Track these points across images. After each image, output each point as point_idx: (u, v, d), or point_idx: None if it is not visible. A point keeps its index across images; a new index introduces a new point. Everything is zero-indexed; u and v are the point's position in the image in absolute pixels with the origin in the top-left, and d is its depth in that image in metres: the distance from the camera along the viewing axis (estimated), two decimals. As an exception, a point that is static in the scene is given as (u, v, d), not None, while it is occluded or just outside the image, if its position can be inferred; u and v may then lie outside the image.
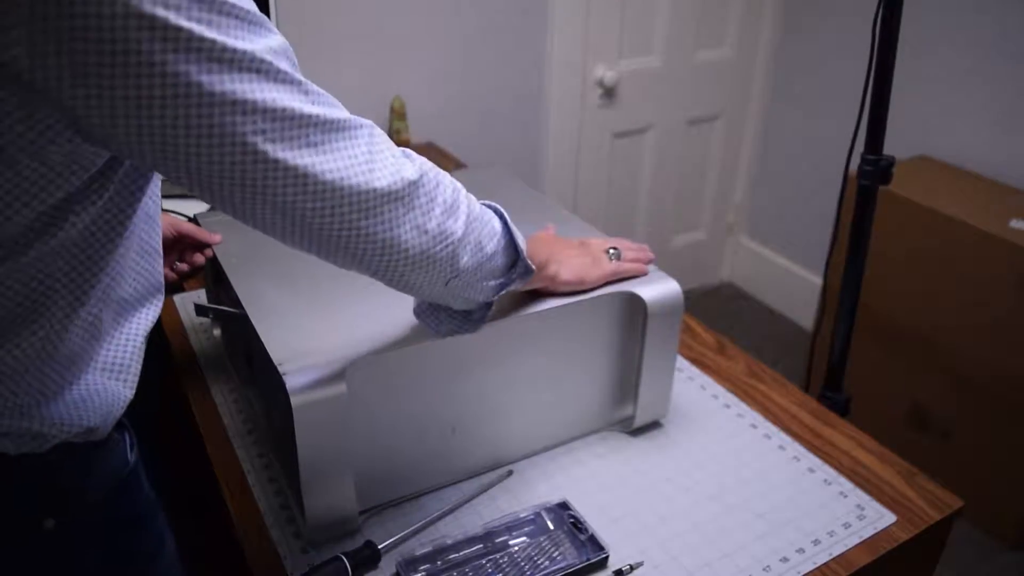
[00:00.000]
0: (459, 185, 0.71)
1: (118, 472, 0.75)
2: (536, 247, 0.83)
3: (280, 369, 0.75)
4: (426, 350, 0.81)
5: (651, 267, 0.96)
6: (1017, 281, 1.75)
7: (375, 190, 0.61)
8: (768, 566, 0.82)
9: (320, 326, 0.83)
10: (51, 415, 0.66)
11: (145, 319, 0.75)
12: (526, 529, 0.84)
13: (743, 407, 1.06)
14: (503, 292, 0.78)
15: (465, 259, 0.70)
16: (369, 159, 0.61)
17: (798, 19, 2.56)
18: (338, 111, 0.60)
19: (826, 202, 2.48)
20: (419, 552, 0.81)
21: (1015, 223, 1.81)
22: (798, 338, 2.67)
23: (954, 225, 1.85)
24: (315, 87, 0.59)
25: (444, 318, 0.79)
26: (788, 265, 2.79)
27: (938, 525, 0.90)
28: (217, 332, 1.16)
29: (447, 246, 0.68)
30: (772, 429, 1.02)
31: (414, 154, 0.67)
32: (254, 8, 0.55)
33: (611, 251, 0.92)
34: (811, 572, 0.82)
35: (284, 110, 0.56)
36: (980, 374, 1.86)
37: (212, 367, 1.12)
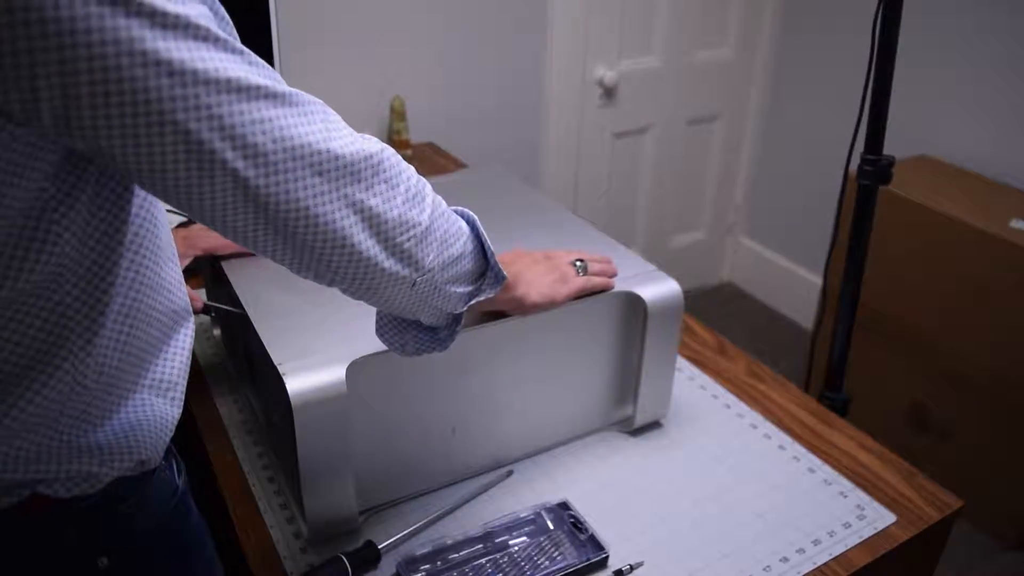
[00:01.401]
0: (425, 181, 0.67)
1: (168, 501, 0.72)
2: (505, 266, 0.78)
3: (280, 369, 0.75)
4: None
5: (651, 267, 0.96)
6: (1017, 281, 1.75)
7: (334, 154, 0.56)
8: (768, 566, 0.82)
9: (320, 326, 0.83)
10: (100, 448, 0.63)
11: (187, 332, 0.71)
12: (526, 529, 0.84)
13: (743, 407, 1.06)
14: (472, 303, 0.74)
15: (430, 256, 0.65)
16: (325, 132, 0.56)
17: (798, 19, 2.56)
18: (286, 86, 0.56)
19: (826, 202, 2.47)
20: (419, 552, 0.81)
21: (1015, 223, 1.81)
22: (798, 338, 2.67)
23: (954, 225, 1.85)
24: (259, 59, 0.54)
25: (409, 337, 0.75)
26: (788, 265, 2.79)
27: (938, 525, 0.90)
28: (217, 332, 1.16)
29: (410, 237, 0.63)
30: (772, 429, 1.02)
31: (375, 139, 0.62)
32: None
33: (577, 263, 0.89)
34: (811, 572, 0.82)
35: (229, 81, 0.50)
36: (980, 374, 1.86)
37: (212, 367, 1.12)
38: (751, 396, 1.09)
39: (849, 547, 0.85)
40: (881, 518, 0.89)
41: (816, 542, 0.85)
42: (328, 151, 0.56)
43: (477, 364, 0.85)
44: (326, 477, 0.78)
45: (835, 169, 2.45)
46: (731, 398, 1.08)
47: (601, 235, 1.04)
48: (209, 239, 1.00)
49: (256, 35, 1.48)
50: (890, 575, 0.88)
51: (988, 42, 2.04)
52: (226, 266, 0.95)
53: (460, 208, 0.74)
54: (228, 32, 0.53)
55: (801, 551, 0.84)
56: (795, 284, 2.76)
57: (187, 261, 1.00)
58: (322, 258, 0.60)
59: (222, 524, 0.90)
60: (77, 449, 0.62)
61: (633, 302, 0.92)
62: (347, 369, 0.76)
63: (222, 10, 0.55)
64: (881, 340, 2.07)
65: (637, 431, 1.00)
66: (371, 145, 0.60)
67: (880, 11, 1.15)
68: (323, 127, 0.56)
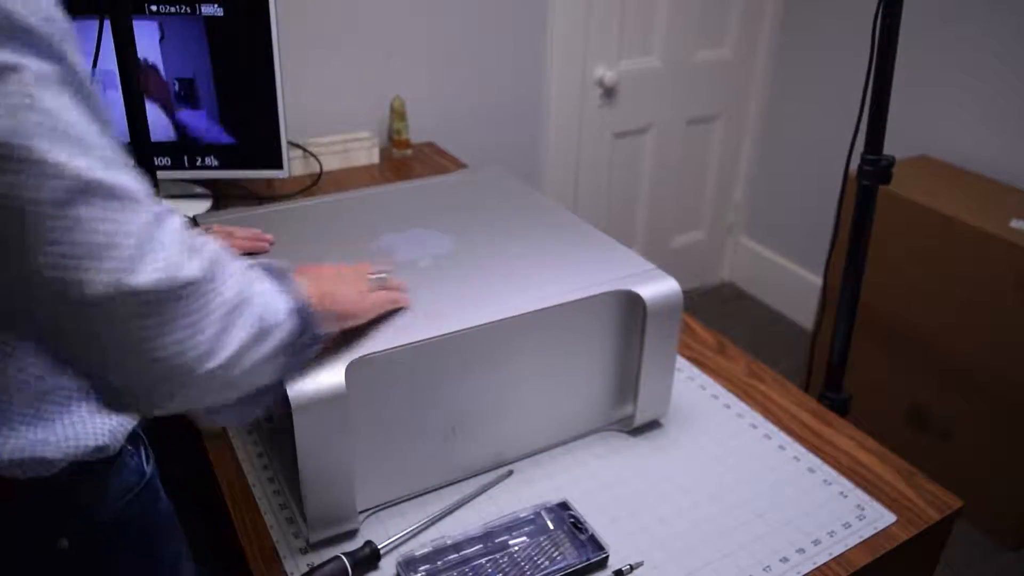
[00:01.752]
0: (250, 275, 0.61)
1: (133, 486, 0.72)
2: (311, 285, 0.74)
3: None
4: (425, 350, 0.81)
5: (650, 266, 0.96)
6: (1017, 281, 1.75)
7: (128, 285, 0.48)
8: (768, 566, 0.82)
9: None
10: (58, 437, 0.63)
11: None
12: (526, 529, 0.84)
13: (743, 407, 1.06)
14: (290, 370, 0.70)
15: (244, 365, 0.59)
16: (138, 243, 0.49)
17: (798, 19, 2.56)
18: (122, 177, 0.48)
19: (826, 202, 2.47)
20: (419, 552, 0.81)
21: (1015, 223, 1.81)
22: (798, 338, 2.67)
23: (954, 225, 1.85)
24: (101, 142, 0.47)
25: (237, 409, 0.69)
26: (788, 265, 2.79)
27: (938, 525, 0.90)
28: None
29: (219, 362, 0.56)
30: (772, 429, 1.02)
31: (208, 244, 0.55)
32: (23, 15, 0.44)
33: (375, 276, 0.84)
34: (811, 572, 0.82)
35: (19, 148, 0.43)
36: (980, 374, 1.86)
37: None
38: (751, 396, 1.09)
39: (849, 547, 0.85)
40: (881, 518, 0.89)
41: (816, 542, 0.85)
42: (118, 276, 0.48)
43: (477, 364, 0.85)
44: (326, 477, 0.78)
45: (835, 169, 2.45)
46: (731, 398, 1.08)
47: (601, 235, 1.04)
48: None
49: (256, 35, 1.48)
50: (890, 575, 0.88)
51: (988, 42, 2.04)
52: None
53: (269, 263, 0.68)
54: (78, 97, 0.47)
55: (801, 551, 0.84)
56: (795, 284, 2.76)
57: None
58: (115, 370, 0.53)
59: (222, 524, 0.90)
60: (31, 443, 0.63)
61: (632, 301, 0.92)
62: (346, 369, 0.76)
63: (81, 79, 0.48)
64: (881, 340, 2.07)
65: (637, 431, 1.00)
66: (192, 266, 0.53)
67: (880, 11, 1.15)
68: (140, 230, 0.49)
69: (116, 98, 1.18)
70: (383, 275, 0.85)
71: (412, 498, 0.89)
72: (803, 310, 2.73)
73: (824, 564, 0.83)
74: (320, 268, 0.82)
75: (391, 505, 0.88)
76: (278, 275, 0.68)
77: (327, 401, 0.75)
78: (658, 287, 0.92)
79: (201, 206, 1.59)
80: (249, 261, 0.65)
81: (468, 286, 0.90)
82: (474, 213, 1.09)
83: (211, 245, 0.56)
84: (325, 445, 0.76)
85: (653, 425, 1.02)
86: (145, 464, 0.75)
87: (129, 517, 0.72)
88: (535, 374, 0.90)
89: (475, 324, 0.83)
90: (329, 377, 0.75)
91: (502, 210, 1.11)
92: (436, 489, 0.91)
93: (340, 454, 0.78)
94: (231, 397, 0.63)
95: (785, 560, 0.83)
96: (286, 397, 0.73)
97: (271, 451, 0.96)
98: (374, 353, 0.78)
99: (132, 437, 0.72)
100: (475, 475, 0.93)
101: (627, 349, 0.95)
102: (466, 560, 0.80)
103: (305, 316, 0.67)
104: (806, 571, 0.82)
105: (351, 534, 0.84)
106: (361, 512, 0.85)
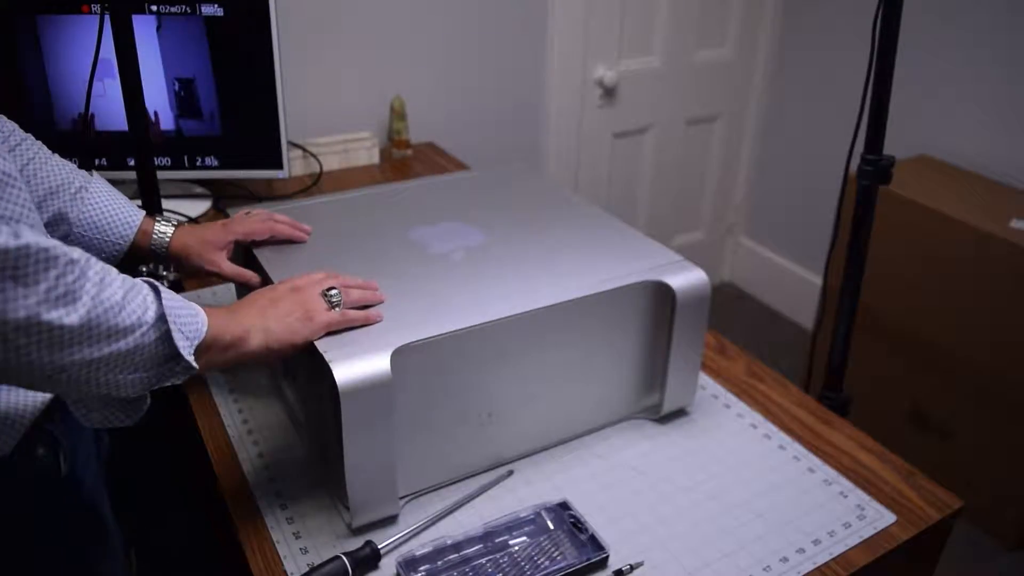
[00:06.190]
0: (97, 269, 0.61)
1: (41, 486, 0.73)
2: (237, 317, 0.74)
3: (326, 357, 0.76)
4: (466, 337, 0.82)
5: (678, 257, 0.97)
6: (1017, 281, 1.75)
7: None
8: (768, 566, 0.82)
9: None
10: None
11: None
12: (526, 529, 0.84)
13: (743, 407, 1.06)
14: (159, 386, 0.68)
15: (77, 355, 0.59)
16: None
17: (798, 19, 2.56)
18: None
19: (826, 202, 2.48)
20: (419, 552, 0.81)
21: (1015, 223, 1.81)
22: (798, 338, 2.67)
23: (954, 225, 1.85)
24: None
25: (94, 406, 0.69)
26: (788, 265, 2.79)
27: (938, 525, 0.90)
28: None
29: (40, 339, 0.56)
30: (772, 429, 1.02)
31: (26, 231, 0.56)
32: None
33: (331, 292, 0.81)
34: (811, 572, 0.82)
35: None
36: (980, 374, 1.86)
37: (212, 367, 1.12)
38: (751, 396, 1.09)
39: (849, 547, 0.85)
40: (881, 518, 0.89)
41: (816, 542, 0.85)
42: None
43: (515, 351, 0.87)
44: (369, 462, 0.79)
45: (835, 169, 2.45)
46: (731, 398, 1.08)
47: (628, 228, 1.05)
48: (245, 225, 0.99)
49: (256, 35, 1.48)
50: (890, 575, 0.88)
51: (988, 42, 2.04)
52: (263, 259, 0.96)
53: (148, 280, 0.67)
54: None
55: (801, 551, 0.84)
56: (795, 284, 2.76)
57: (227, 249, 0.99)
58: None
59: (222, 525, 0.90)
60: None
61: (663, 291, 0.93)
62: (391, 356, 0.77)
63: None
64: (881, 340, 2.07)
65: (635, 431, 1.00)
66: (4, 240, 0.54)
67: (880, 11, 1.15)
68: None
69: (116, 98, 1.18)
70: (336, 291, 0.81)
71: (449, 484, 0.91)
72: (803, 310, 2.73)
73: (824, 564, 0.83)
74: (255, 295, 0.79)
75: (422, 494, 0.89)
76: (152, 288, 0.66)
77: (373, 387, 0.76)
78: (687, 277, 0.94)
79: (201, 206, 1.59)
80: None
81: (504, 276, 0.92)
82: (501, 208, 1.11)
83: (32, 234, 0.56)
84: (370, 430, 0.77)
85: (653, 425, 1.02)
86: (62, 462, 0.75)
87: (35, 514, 0.73)
88: (570, 361, 0.92)
89: (515, 312, 0.85)
90: (375, 363, 0.76)
91: (529, 205, 1.13)
92: (472, 475, 0.92)
93: (384, 439, 0.79)
94: (72, 388, 0.62)
95: (785, 560, 0.83)
96: (334, 386, 0.74)
97: (307, 441, 0.96)
98: (417, 341, 0.79)
99: (42, 435, 0.72)
100: (510, 461, 0.94)
101: (656, 338, 0.97)
102: (466, 560, 0.80)
103: (174, 336, 0.65)
104: (806, 571, 0.82)
105: (391, 519, 0.85)
106: (402, 497, 0.86)
